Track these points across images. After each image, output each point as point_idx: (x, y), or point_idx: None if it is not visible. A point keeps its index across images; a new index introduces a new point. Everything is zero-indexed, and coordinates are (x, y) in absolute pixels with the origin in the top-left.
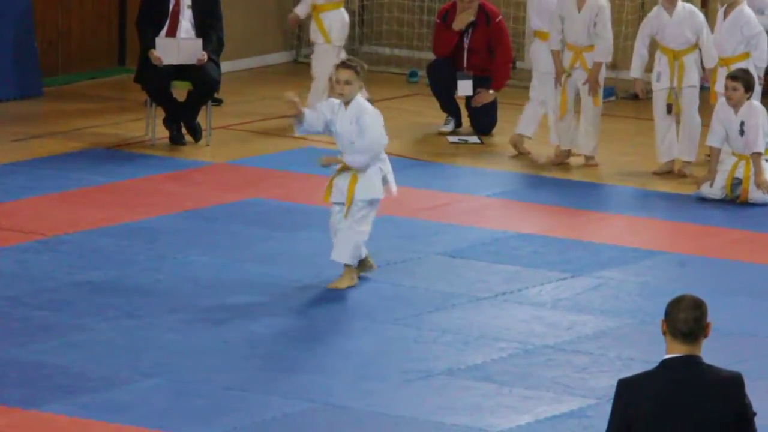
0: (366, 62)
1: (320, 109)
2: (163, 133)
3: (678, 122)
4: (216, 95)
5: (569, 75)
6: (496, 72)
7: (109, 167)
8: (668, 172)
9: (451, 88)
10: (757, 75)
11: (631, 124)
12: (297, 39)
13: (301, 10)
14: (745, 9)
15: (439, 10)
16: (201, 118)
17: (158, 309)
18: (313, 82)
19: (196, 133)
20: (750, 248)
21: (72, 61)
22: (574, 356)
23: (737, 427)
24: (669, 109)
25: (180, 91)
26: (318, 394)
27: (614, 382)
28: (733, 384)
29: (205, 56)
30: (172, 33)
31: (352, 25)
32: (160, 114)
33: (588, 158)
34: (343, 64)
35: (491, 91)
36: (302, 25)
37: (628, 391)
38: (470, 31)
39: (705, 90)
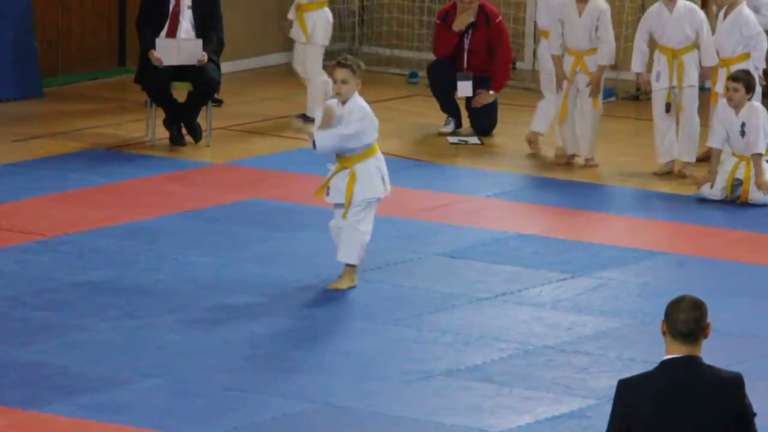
0: (366, 63)
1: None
2: (163, 133)
3: (677, 122)
4: (216, 96)
5: (570, 80)
6: (496, 73)
7: (109, 168)
8: (668, 173)
9: (451, 88)
10: (757, 75)
11: (631, 125)
12: None
13: (293, 15)
14: (745, 9)
15: (439, 11)
16: (201, 119)
17: (158, 309)
18: (308, 86)
19: (196, 134)
20: (750, 249)
21: (72, 61)
22: (574, 357)
23: (737, 428)
24: (668, 108)
25: (180, 91)
26: (318, 395)
27: (614, 383)
28: (733, 384)
29: (205, 57)
30: (172, 34)
31: (352, 26)
32: (160, 114)
33: (587, 159)
34: (339, 64)
35: (491, 92)
36: None
37: (628, 391)
38: (470, 31)
39: (704, 91)
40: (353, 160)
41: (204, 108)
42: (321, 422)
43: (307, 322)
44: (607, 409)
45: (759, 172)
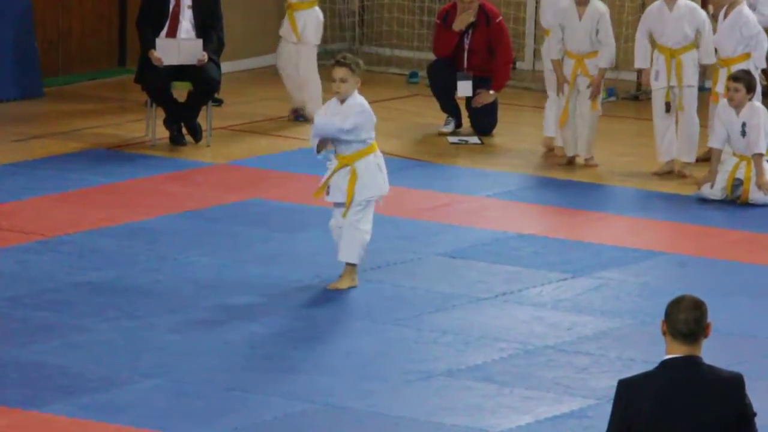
0: (366, 63)
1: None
2: (163, 133)
3: (677, 122)
4: (216, 95)
5: (572, 83)
6: (496, 72)
7: (109, 168)
8: (668, 173)
9: (452, 88)
10: (757, 75)
11: (631, 125)
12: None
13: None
14: (745, 9)
15: (440, 11)
16: (201, 119)
17: (158, 309)
18: (305, 86)
19: (196, 134)
20: (750, 249)
21: (72, 61)
22: (574, 357)
23: (737, 428)
24: (668, 107)
25: (180, 91)
26: (318, 395)
27: (614, 383)
28: (734, 384)
29: (205, 57)
30: (172, 33)
31: (353, 26)
32: (160, 114)
33: (587, 159)
34: (337, 62)
35: (491, 92)
36: None
37: (628, 391)
38: (470, 31)
39: (704, 91)
40: (353, 158)
41: (204, 108)
42: (321, 422)
43: (308, 322)
44: (608, 409)
45: (760, 173)
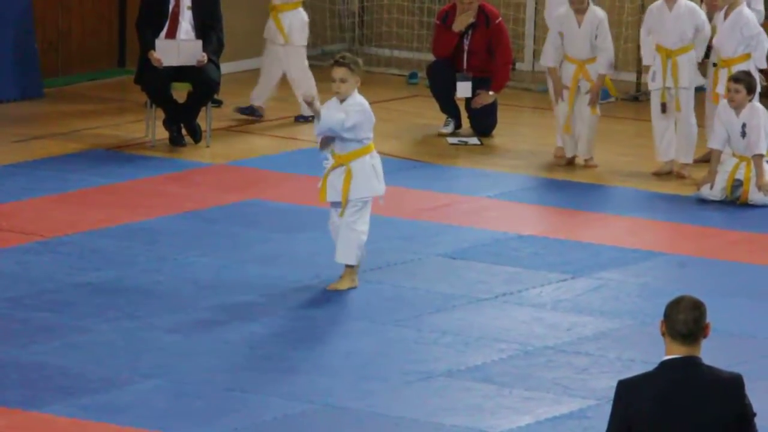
0: (366, 64)
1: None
2: (163, 134)
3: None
4: (216, 96)
5: (573, 89)
6: (496, 73)
7: (109, 168)
8: (668, 173)
9: (451, 89)
10: (758, 76)
11: (630, 126)
12: None
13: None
14: (745, 10)
15: (439, 12)
16: (201, 120)
17: (158, 310)
18: (300, 87)
19: (195, 135)
20: (750, 249)
21: (72, 62)
22: (574, 357)
23: (737, 428)
24: (663, 108)
25: (180, 92)
26: (318, 395)
27: (614, 383)
28: (733, 385)
29: (205, 57)
30: (171, 34)
31: (352, 27)
32: (160, 115)
33: (586, 159)
34: (336, 62)
35: (491, 93)
36: None
37: (628, 392)
38: (470, 32)
39: (700, 92)
40: (349, 158)
41: (204, 108)
42: (321, 423)
43: (307, 323)
44: (607, 409)
45: (760, 173)
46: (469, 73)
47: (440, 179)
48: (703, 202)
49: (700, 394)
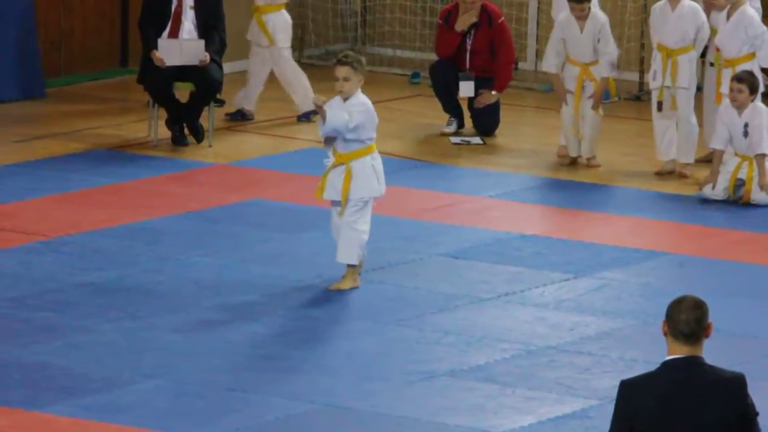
0: (368, 63)
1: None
2: (165, 134)
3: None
4: (218, 96)
5: (578, 91)
6: (498, 73)
7: (111, 168)
8: (670, 173)
9: (454, 89)
10: (761, 76)
11: (632, 125)
12: (300, 40)
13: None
14: (748, 9)
15: (442, 11)
16: (203, 119)
17: (160, 310)
18: (293, 86)
19: (198, 134)
20: (752, 249)
21: (74, 62)
22: (576, 357)
23: (740, 428)
24: (659, 106)
25: (182, 92)
26: (320, 395)
27: (617, 383)
28: (736, 384)
29: (207, 57)
30: (174, 34)
31: (355, 27)
32: (162, 115)
33: (589, 159)
34: (339, 61)
35: (494, 92)
36: (304, 27)
37: (630, 392)
38: (473, 32)
39: (698, 91)
40: (350, 157)
41: (206, 108)
42: (323, 423)
43: (309, 323)
44: (610, 409)
45: (762, 173)
46: (472, 73)
47: (443, 179)
48: (705, 201)
49: (702, 394)
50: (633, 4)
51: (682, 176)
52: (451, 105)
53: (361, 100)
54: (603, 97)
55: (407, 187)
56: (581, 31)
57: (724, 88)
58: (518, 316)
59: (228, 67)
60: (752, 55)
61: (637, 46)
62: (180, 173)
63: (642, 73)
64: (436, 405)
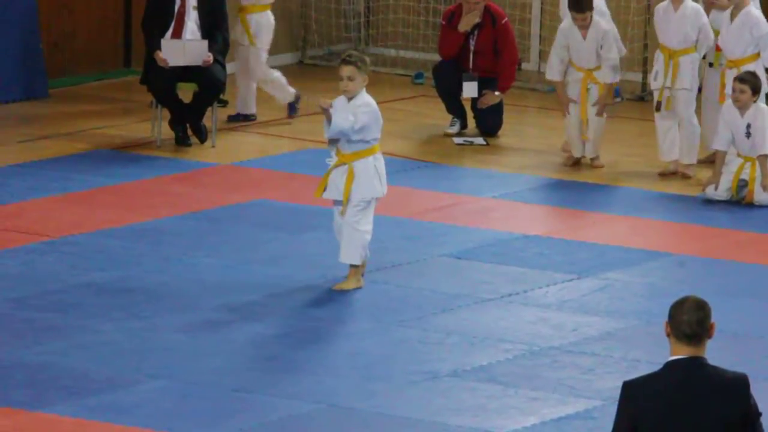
0: (372, 64)
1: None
2: (168, 134)
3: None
4: (221, 96)
5: (584, 94)
6: (501, 73)
7: (114, 169)
8: (673, 173)
9: (457, 89)
10: (765, 76)
11: (635, 126)
12: (303, 41)
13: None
14: (753, 10)
15: (445, 12)
16: (206, 120)
17: (164, 310)
18: (269, 85)
19: (201, 135)
20: (756, 250)
21: (78, 62)
22: (579, 358)
23: (742, 428)
24: (658, 107)
25: (186, 92)
26: (323, 396)
27: (620, 384)
28: (739, 385)
29: (210, 57)
30: (177, 34)
31: (358, 27)
32: (165, 115)
33: (592, 159)
34: (344, 61)
35: (497, 93)
36: (307, 27)
37: (633, 392)
38: (476, 32)
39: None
40: (352, 157)
41: (209, 109)
42: (326, 423)
43: (313, 323)
44: (613, 410)
45: (765, 174)
46: (475, 74)
47: (446, 179)
48: (708, 202)
49: (705, 395)
50: (636, 5)
51: (685, 177)
52: (454, 105)
53: (365, 100)
54: (612, 96)
55: (410, 187)
56: (584, 39)
57: (729, 89)
58: (521, 316)
59: (231, 67)
60: (757, 56)
61: (640, 46)
62: (183, 174)
63: (645, 73)
64: (439, 405)
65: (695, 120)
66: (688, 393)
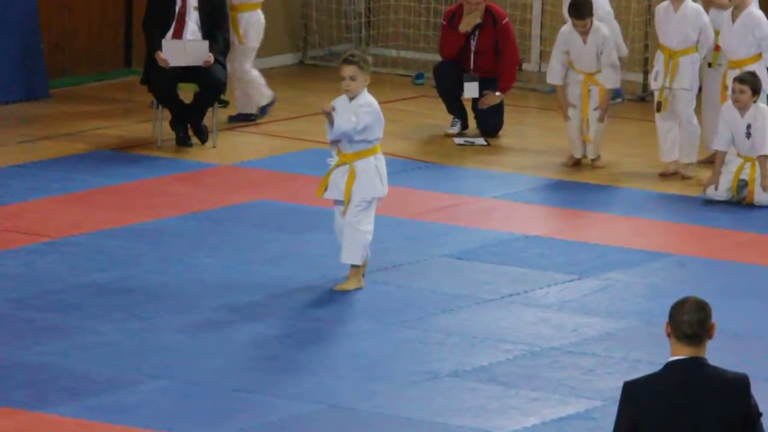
0: (372, 64)
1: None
2: (169, 134)
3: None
4: (222, 97)
5: (585, 97)
6: (502, 74)
7: (115, 169)
8: (674, 173)
9: (458, 90)
10: (765, 76)
11: (636, 126)
12: (303, 41)
13: None
14: (755, 11)
15: (446, 12)
16: (207, 120)
17: (164, 311)
18: (250, 85)
19: (202, 135)
20: (756, 250)
21: (78, 62)
22: (580, 358)
23: (743, 429)
24: (659, 107)
25: (186, 92)
26: (324, 396)
27: (620, 384)
28: (739, 385)
29: (211, 58)
30: (178, 35)
31: (359, 28)
32: (166, 116)
33: (593, 160)
34: (345, 60)
35: (498, 93)
36: (308, 27)
37: (633, 393)
38: (477, 33)
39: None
40: (354, 157)
41: (210, 109)
42: (327, 423)
43: (314, 324)
44: (614, 410)
45: (765, 174)
46: (476, 74)
47: (446, 180)
48: (709, 202)
49: (705, 395)
50: (637, 5)
51: (685, 177)
52: (455, 106)
53: (367, 100)
54: (613, 97)
55: (411, 187)
56: (584, 43)
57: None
58: (522, 316)
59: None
60: (759, 56)
61: (641, 46)
62: (184, 174)
63: (646, 74)
64: (440, 406)
65: (695, 120)
66: (689, 393)
